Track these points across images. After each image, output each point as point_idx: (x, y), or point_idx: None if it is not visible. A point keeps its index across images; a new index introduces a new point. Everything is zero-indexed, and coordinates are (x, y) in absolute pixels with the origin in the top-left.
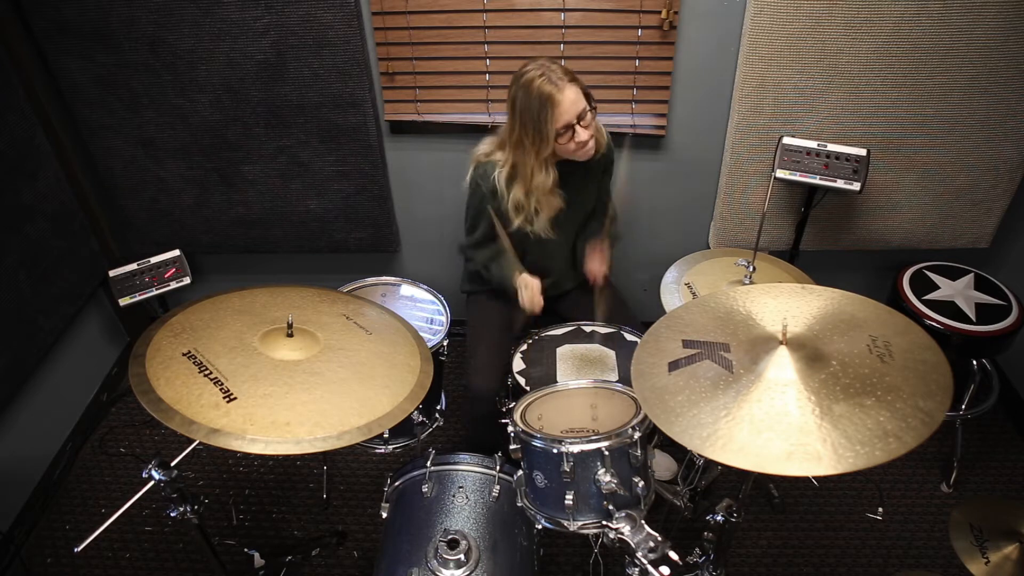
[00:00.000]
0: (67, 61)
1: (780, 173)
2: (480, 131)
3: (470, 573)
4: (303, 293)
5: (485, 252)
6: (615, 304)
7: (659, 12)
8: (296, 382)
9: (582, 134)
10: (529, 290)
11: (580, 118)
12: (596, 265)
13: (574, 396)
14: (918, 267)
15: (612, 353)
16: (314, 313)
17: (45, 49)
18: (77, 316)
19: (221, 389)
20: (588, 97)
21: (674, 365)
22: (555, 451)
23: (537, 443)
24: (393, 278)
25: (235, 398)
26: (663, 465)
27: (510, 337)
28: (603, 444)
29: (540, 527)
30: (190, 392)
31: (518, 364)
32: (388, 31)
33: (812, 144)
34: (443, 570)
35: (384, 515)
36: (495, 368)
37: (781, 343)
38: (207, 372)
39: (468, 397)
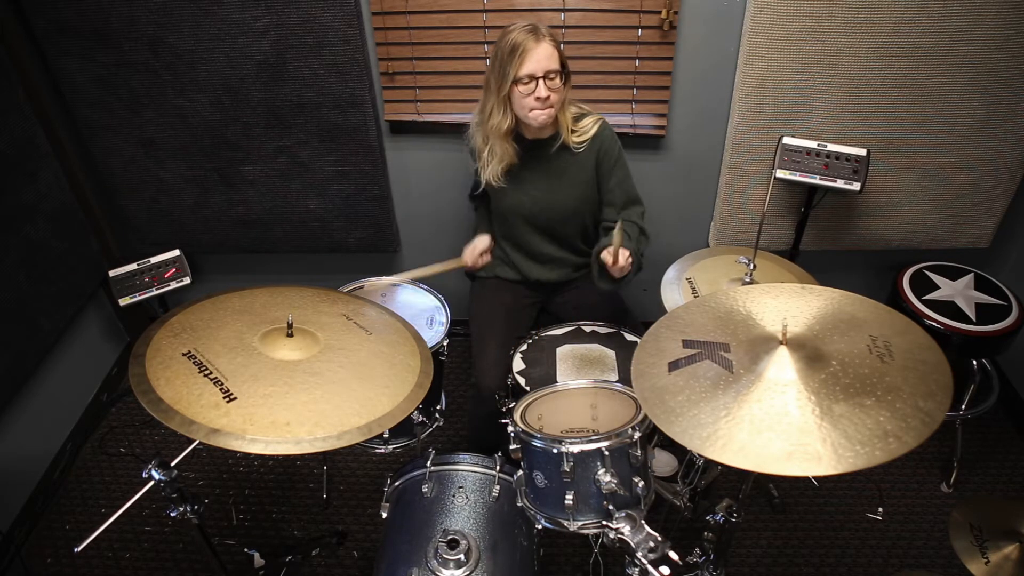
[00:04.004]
0: (67, 61)
1: (780, 173)
2: None
3: (470, 573)
4: (303, 293)
5: (477, 202)
6: (615, 300)
7: (659, 12)
8: (296, 382)
9: (543, 91)
10: (472, 246)
11: (547, 76)
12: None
13: (574, 396)
14: (918, 267)
15: (612, 353)
16: (314, 313)
17: (45, 49)
18: (77, 316)
19: (221, 389)
20: (563, 66)
21: (674, 365)
22: (555, 451)
23: (537, 443)
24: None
25: (235, 398)
26: (663, 461)
27: (514, 333)
28: (603, 444)
29: (540, 527)
30: (190, 392)
31: (518, 364)
32: (388, 31)
33: (812, 144)
34: (443, 570)
35: (384, 515)
36: (502, 367)
37: (781, 343)
38: (207, 372)
39: (472, 396)
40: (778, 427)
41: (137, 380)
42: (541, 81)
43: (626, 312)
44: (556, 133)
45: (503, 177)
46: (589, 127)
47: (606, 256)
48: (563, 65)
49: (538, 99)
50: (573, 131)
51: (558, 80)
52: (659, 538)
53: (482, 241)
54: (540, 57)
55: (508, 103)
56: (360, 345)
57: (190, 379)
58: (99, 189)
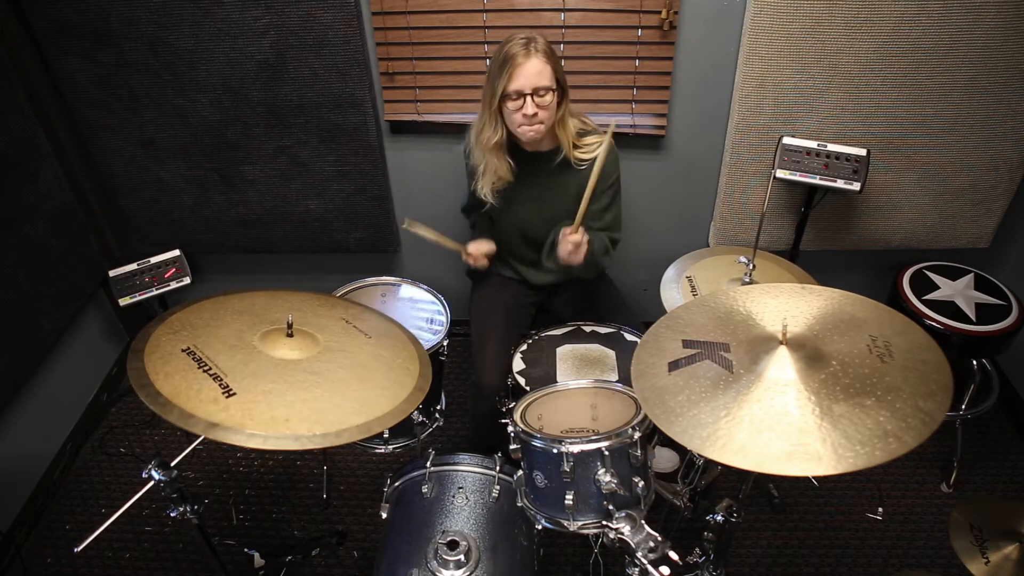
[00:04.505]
0: (67, 61)
1: (780, 173)
2: None
3: (470, 574)
4: (303, 298)
5: (473, 216)
6: (615, 300)
7: (659, 12)
8: (296, 380)
9: (530, 108)
10: (478, 243)
11: (536, 93)
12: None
13: (574, 396)
14: (918, 267)
15: (612, 353)
16: (313, 317)
17: (45, 49)
18: (77, 316)
19: (220, 385)
20: (560, 83)
21: (674, 365)
22: (555, 451)
23: (537, 443)
24: (393, 278)
25: (234, 394)
26: (665, 457)
27: (514, 331)
28: (603, 444)
29: (540, 527)
30: (189, 387)
31: (518, 364)
32: (388, 31)
33: (812, 144)
34: (443, 570)
35: (384, 515)
36: (502, 365)
37: (781, 343)
38: (206, 368)
39: (472, 394)
40: (778, 427)
41: (136, 374)
42: (529, 98)
43: (626, 312)
44: (556, 147)
45: (500, 192)
46: (595, 147)
47: (567, 230)
48: (558, 81)
49: (526, 116)
50: (576, 147)
51: (548, 97)
52: (659, 538)
53: (488, 245)
54: (529, 73)
55: (499, 117)
56: (360, 348)
57: (189, 374)
58: (99, 189)
